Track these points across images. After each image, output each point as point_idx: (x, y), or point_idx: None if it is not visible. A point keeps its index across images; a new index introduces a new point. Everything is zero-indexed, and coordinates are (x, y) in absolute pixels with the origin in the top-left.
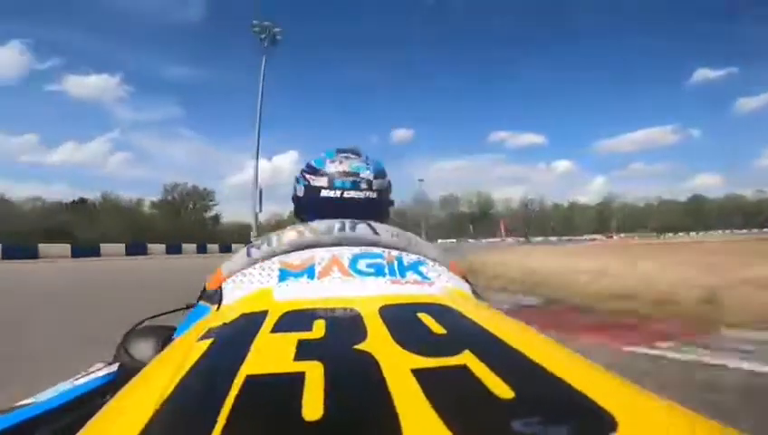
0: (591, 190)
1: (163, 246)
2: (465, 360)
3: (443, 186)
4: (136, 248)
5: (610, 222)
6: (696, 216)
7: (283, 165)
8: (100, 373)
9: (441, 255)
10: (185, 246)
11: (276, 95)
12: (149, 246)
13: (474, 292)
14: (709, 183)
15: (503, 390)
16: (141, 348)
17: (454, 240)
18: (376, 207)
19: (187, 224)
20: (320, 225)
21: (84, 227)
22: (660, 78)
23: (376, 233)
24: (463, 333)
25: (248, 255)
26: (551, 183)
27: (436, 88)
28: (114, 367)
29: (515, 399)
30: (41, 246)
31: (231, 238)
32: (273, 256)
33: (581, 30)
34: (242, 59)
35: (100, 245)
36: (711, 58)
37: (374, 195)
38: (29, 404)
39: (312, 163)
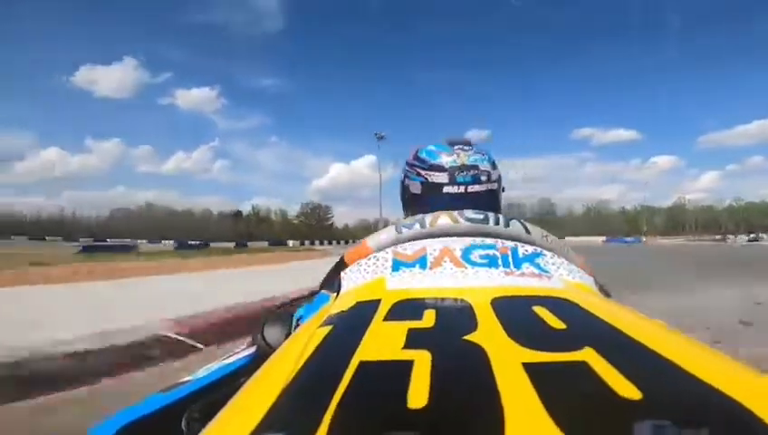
0: (699, 188)
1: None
2: (584, 356)
3: (519, 186)
4: (277, 243)
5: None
6: None
7: (361, 168)
8: (244, 354)
9: (567, 251)
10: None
11: (357, 94)
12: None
13: (600, 287)
14: None
15: (628, 389)
16: (273, 333)
17: None
18: (495, 199)
19: (317, 228)
20: (475, 214)
21: (242, 231)
22: None
23: (527, 232)
24: (583, 329)
25: (398, 231)
26: (649, 180)
27: (514, 86)
28: (253, 349)
29: (643, 399)
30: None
31: (342, 236)
32: (423, 237)
33: (678, 12)
34: (320, 69)
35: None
36: None
37: (494, 186)
38: (186, 382)
39: (424, 156)
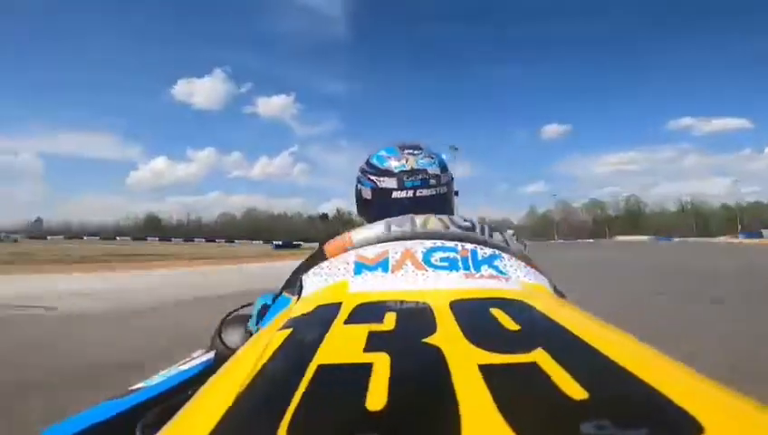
0: None
1: None
2: (536, 357)
3: (607, 181)
4: None
5: None
6: None
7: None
8: (201, 360)
9: (521, 250)
10: None
11: (425, 92)
12: None
13: (554, 288)
14: None
15: (575, 390)
16: (233, 336)
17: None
18: (447, 203)
19: None
20: (464, 223)
21: (331, 232)
22: None
23: (507, 244)
24: (537, 330)
25: (387, 229)
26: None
27: (600, 75)
28: (211, 354)
29: (589, 400)
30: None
31: None
32: (409, 237)
33: None
34: (387, 70)
35: None
36: None
37: (444, 190)
38: (140, 389)
39: (374, 162)
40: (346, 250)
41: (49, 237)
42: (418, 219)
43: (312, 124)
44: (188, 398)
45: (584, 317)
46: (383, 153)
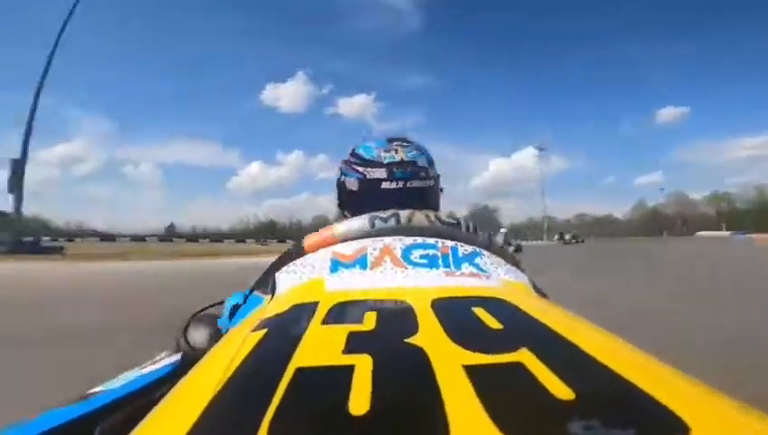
0: None
1: None
2: (520, 357)
3: (737, 170)
4: None
5: None
6: None
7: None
8: (165, 362)
9: (502, 248)
10: None
11: (507, 85)
12: None
13: (534, 286)
14: None
15: (561, 389)
16: (200, 337)
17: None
18: (435, 197)
19: (487, 228)
20: (449, 219)
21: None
22: None
23: (490, 242)
24: (520, 329)
25: (372, 225)
26: None
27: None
28: (177, 356)
29: (575, 399)
30: None
31: None
32: (393, 233)
33: None
34: (465, 63)
35: None
36: None
37: (432, 183)
38: (96, 393)
39: (360, 152)
40: (328, 245)
41: (174, 240)
42: (403, 214)
43: (390, 121)
44: (154, 402)
45: (567, 316)
46: (370, 144)
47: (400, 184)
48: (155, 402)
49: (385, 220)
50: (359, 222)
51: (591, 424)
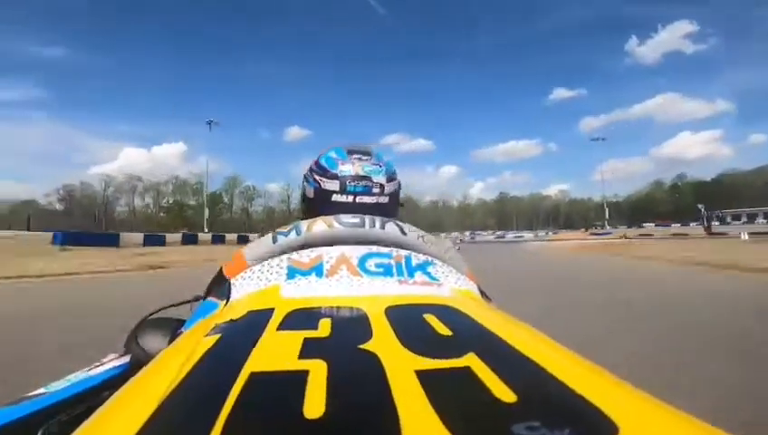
0: None
1: None
2: (468, 362)
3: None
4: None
5: None
6: None
7: None
8: (113, 364)
9: (455, 257)
10: None
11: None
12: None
13: (482, 293)
14: None
15: (505, 393)
16: (151, 340)
17: None
18: (386, 213)
19: None
20: (352, 219)
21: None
22: None
23: (403, 233)
24: (468, 335)
25: (274, 241)
26: None
27: None
28: (126, 358)
29: (517, 402)
30: None
31: None
32: (300, 246)
33: None
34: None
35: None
36: None
37: (385, 199)
38: (40, 395)
39: (323, 163)
40: (240, 269)
41: None
42: (304, 225)
43: None
44: (101, 403)
45: (510, 322)
46: (332, 154)
47: (350, 198)
48: (103, 403)
49: (286, 234)
50: (262, 244)
51: (532, 424)
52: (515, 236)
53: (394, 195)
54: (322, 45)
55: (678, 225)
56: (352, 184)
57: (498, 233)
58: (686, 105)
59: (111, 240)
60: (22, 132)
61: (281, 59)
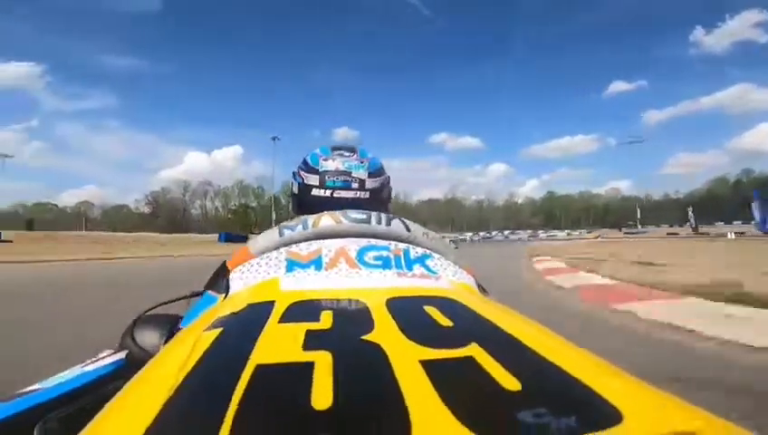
0: None
1: None
2: (471, 352)
3: None
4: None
5: None
6: None
7: None
8: (108, 361)
9: (452, 252)
10: None
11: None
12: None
13: (479, 286)
14: None
15: (509, 381)
16: (148, 337)
17: None
18: (369, 207)
19: None
20: (359, 214)
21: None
22: None
23: (408, 230)
24: (469, 326)
25: (280, 235)
26: None
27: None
28: (121, 355)
29: (522, 390)
30: None
31: None
32: (306, 239)
33: None
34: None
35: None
36: None
37: (366, 195)
38: (34, 391)
39: (308, 159)
40: (245, 260)
41: None
42: (311, 219)
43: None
44: (98, 399)
45: (508, 313)
46: (318, 151)
47: (328, 193)
48: (99, 400)
49: (293, 228)
50: (268, 236)
51: (537, 412)
52: (532, 236)
53: (376, 191)
54: (370, 47)
55: (740, 222)
56: (331, 179)
57: (506, 232)
58: (762, 96)
59: (243, 239)
60: (100, 139)
61: (332, 61)
